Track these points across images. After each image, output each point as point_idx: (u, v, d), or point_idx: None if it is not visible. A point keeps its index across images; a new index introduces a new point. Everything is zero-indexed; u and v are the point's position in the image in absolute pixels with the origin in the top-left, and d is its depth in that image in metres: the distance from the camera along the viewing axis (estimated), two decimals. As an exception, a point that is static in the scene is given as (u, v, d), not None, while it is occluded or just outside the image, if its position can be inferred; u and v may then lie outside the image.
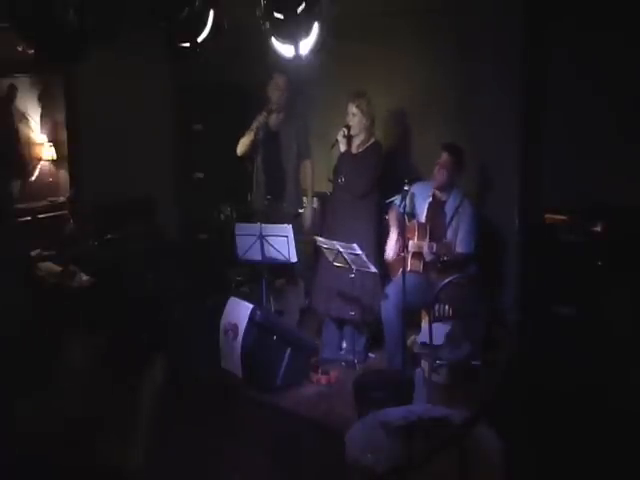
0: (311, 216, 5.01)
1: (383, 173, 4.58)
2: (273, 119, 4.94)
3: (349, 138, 4.53)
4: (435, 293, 3.80)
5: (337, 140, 4.51)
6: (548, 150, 4.46)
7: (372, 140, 4.56)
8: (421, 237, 4.18)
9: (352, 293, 4.47)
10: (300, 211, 5.04)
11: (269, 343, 4.26)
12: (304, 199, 5.06)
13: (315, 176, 5.03)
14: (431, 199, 4.33)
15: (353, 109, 4.45)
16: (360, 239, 4.18)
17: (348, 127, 4.48)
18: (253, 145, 4.94)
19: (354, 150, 4.57)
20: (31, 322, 4.41)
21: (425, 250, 4.08)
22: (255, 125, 4.84)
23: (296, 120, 4.94)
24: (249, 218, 5.10)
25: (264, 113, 4.81)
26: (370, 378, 3.96)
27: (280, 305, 5.12)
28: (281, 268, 4.87)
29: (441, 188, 4.27)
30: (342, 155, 4.57)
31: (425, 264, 4.16)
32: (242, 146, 4.96)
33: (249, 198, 5.24)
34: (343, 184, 4.54)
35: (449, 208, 4.24)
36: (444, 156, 4.21)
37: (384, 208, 4.57)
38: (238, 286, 5.61)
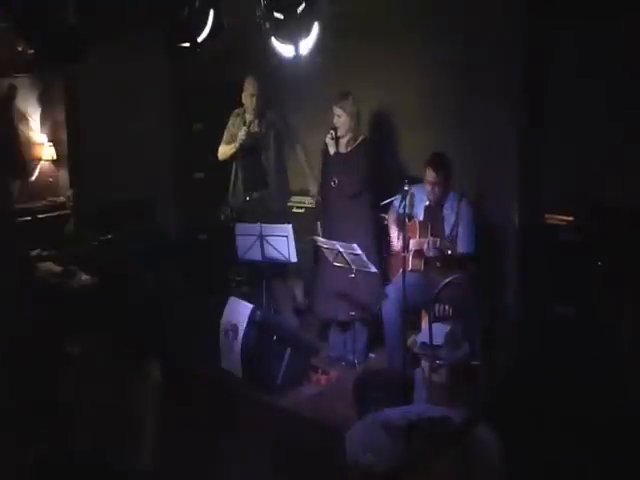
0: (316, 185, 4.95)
1: (378, 171, 4.59)
2: (253, 120, 5.00)
3: (337, 140, 4.54)
4: (435, 293, 3.79)
5: (326, 143, 4.54)
6: (548, 150, 4.45)
7: (361, 137, 4.57)
8: (423, 235, 4.17)
9: (352, 293, 4.47)
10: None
11: (269, 343, 4.25)
12: (310, 185, 5.05)
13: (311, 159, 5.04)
14: (428, 203, 4.32)
15: (338, 111, 4.48)
16: (357, 241, 4.18)
17: (335, 129, 4.50)
18: (236, 154, 5.02)
19: (343, 149, 4.58)
20: (31, 322, 4.42)
21: (427, 246, 4.06)
22: (240, 140, 4.90)
23: (273, 121, 4.98)
24: (240, 217, 5.09)
25: (244, 129, 4.88)
26: (370, 378, 3.96)
27: (278, 305, 5.12)
28: (277, 268, 4.88)
29: (438, 200, 4.26)
30: (332, 156, 4.56)
31: (426, 263, 4.16)
32: (223, 155, 5.08)
33: (229, 197, 5.23)
34: (336, 186, 4.54)
35: (447, 211, 4.23)
36: (431, 174, 4.16)
37: (381, 209, 4.57)
38: (238, 286, 5.60)
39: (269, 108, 5.02)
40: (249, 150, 5.01)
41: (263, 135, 4.99)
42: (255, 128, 5.00)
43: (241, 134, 4.88)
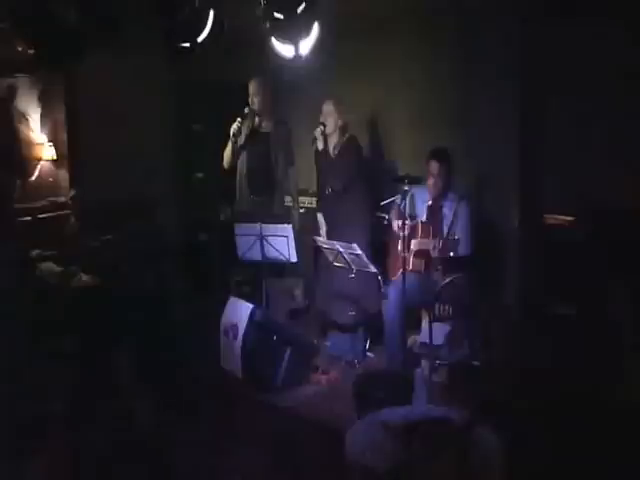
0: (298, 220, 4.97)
1: (376, 171, 4.60)
2: (262, 121, 4.93)
3: (325, 136, 4.57)
4: (436, 293, 3.80)
5: (315, 137, 4.56)
6: (548, 150, 4.45)
7: (347, 135, 4.62)
8: (425, 235, 4.17)
9: (352, 293, 4.48)
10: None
11: (269, 343, 4.26)
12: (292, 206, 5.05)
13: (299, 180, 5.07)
14: (430, 203, 4.32)
15: (330, 107, 4.53)
16: (357, 241, 4.17)
17: (324, 125, 4.53)
18: (236, 153, 4.93)
19: (331, 150, 4.63)
20: (31, 321, 4.43)
21: (433, 246, 4.06)
22: (232, 134, 4.83)
23: (282, 124, 4.94)
24: (237, 219, 5.05)
25: (238, 119, 4.80)
26: (370, 378, 3.96)
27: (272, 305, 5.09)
28: (276, 268, 4.87)
29: (438, 196, 4.26)
30: (321, 157, 4.62)
31: (427, 263, 4.16)
32: (227, 158, 4.95)
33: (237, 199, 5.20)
34: (331, 189, 4.57)
35: (447, 211, 4.23)
36: (434, 165, 4.17)
37: (382, 209, 4.57)
38: (238, 286, 5.60)
39: (277, 113, 4.97)
40: (258, 150, 4.91)
41: (275, 133, 4.89)
42: (264, 129, 4.92)
43: (234, 125, 4.78)
